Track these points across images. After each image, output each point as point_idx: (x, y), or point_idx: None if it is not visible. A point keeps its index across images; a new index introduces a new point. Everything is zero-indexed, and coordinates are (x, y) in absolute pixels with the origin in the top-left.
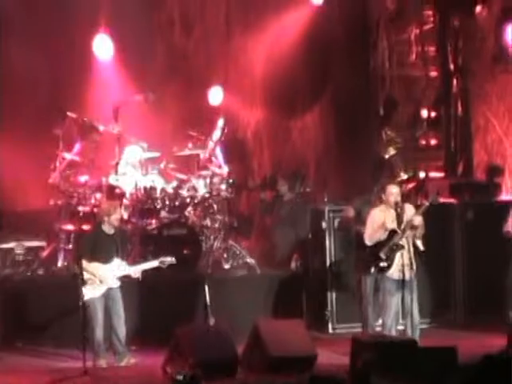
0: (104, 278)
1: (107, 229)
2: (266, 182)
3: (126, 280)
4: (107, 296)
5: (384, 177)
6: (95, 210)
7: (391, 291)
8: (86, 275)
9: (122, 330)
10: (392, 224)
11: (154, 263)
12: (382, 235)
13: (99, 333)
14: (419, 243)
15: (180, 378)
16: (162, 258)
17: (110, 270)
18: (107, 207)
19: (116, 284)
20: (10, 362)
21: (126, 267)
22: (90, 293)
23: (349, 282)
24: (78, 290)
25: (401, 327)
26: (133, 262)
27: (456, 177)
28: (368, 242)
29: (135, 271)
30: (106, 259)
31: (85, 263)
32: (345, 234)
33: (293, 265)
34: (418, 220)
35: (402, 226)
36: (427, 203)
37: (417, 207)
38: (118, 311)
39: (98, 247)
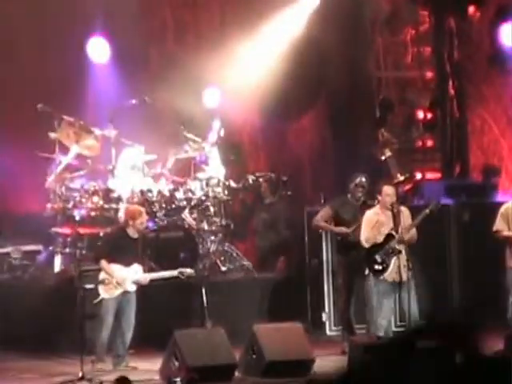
0: (122, 281)
1: (131, 232)
2: (248, 185)
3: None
4: (122, 299)
5: (380, 178)
6: (93, 214)
7: (386, 293)
8: (102, 275)
9: (129, 334)
10: (388, 225)
11: (172, 273)
12: (378, 238)
13: (105, 334)
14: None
15: (176, 382)
16: (181, 269)
17: (129, 274)
18: (132, 211)
19: (133, 288)
20: (5, 366)
21: (142, 273)
22: (104, 293)
23: None
24: (77, 294)
25: (402, 328)
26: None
27: (452, 178)
28: (365, 244)
29: (149, 278)
30: (127, 262)
31: (104, 263)
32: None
33: (279, 268)
34: (413, 232)
35: (400, 231)
36: (427, 211)
37: (415, 214)
38: (130, 315)
39: (121, 250)
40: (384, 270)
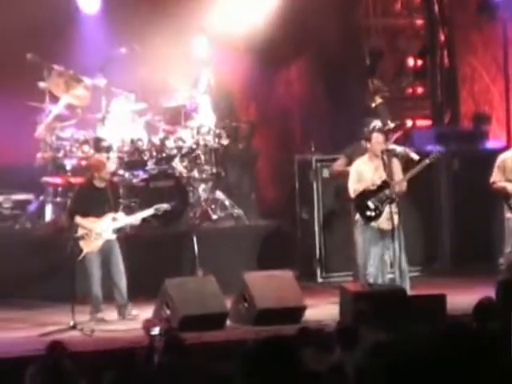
0: (99, 232)
1: (98, 183)
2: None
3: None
4: (105, 249)
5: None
6: (83, 163)
7: (373, 240)
8: (80, 231)
9: (123, 282)
10: (376, 174)
11: (149, 211)
12: (369, 186)
13: (97, 287)
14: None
15: (155, 332)
16: (156, 206)
17: (105, 224)
18: (96, 162)
19: (113, 236)
20: None
21: (123, 218)
22: (86, 248)
23: (337, 231)
24: (67, 244)
25: (391, 276)
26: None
27: (443, 126)
28: (352, 194)
29: (134, 220)
30: (99, 213)
31: (79, 218)
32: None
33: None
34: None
35: (394, 181)
36: (427, 161)
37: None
38: (118, 263)
39: (91, 202)
40: (376, 216)
